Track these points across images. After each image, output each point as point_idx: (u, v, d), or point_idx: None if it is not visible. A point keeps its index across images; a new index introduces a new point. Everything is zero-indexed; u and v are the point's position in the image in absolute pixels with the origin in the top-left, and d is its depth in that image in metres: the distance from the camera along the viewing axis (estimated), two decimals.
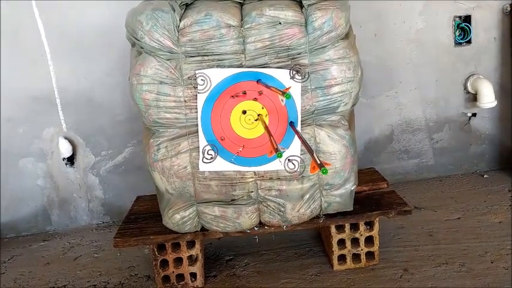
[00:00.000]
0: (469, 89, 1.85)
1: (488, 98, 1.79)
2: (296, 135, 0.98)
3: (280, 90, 0.92)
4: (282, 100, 0.95)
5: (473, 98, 1.84)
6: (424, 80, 1.85)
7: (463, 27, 1.83)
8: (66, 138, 1.69)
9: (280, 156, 0.88)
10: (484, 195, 1.73)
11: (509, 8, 1.76)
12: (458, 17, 1.80)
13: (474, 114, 1.89)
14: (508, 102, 1.84)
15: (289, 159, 1.09)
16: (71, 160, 1.71)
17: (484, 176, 1.89)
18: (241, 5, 1.12)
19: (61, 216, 1.79)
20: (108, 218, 1.80)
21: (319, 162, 0.80)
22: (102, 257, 1.56)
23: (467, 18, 1.81)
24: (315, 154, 0.85)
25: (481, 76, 1.84)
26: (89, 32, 1.67)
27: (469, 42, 1.83)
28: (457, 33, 1.84)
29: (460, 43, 1.83)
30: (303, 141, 0.92)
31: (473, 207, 1.67)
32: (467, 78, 1.86)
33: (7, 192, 1.75)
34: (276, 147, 0.86)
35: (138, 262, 1.49)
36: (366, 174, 1.54)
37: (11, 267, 1.57)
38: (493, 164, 1.93)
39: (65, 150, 1.68)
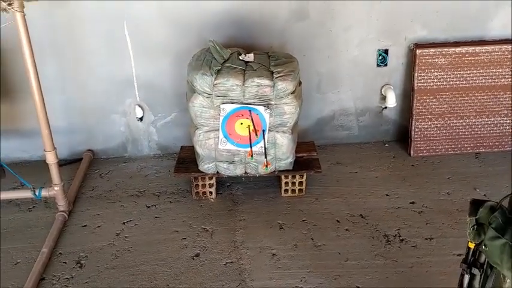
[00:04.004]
0: (383, 93, 2.91)
1: (391, 101, 2.86)
2: (263, 140, 2.17)
3: (256, 132, 2.09)
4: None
5: (385, 98, 2.97)
6: (356, 85, 2.85)
7: (383, 56, 2.84)
8: (139, 105, 2.85)
9: (252, 159, 2.10)
10: (378, 159, 2.85)
11: (412, 46, 2.80)
12: (381, 49, 2.83)
13: (385, 107, 3.00)
14: (406, 101, 2.94)
15: (261, 147, 2.29)
16: (141, 118, 2.89)
17: (386, 145, 3.04)
18: (244, 70, 2.23)
19: (133, 148, 2.91)
20: (160, 152, 2.92)
21: (266, 163, 1.98)
22: (160, 176, 2.71)
23: (386, 51, 2.76)
24: (267, 158, 2.05)
25: (391, 86, 2.89)
26: (156, 45, 2.67)
27: (386, 65, 2.81)
28: (379, 59, 2.89)
29: (380, 65, 2.82)
30: (265, 146, 2.11)
31: (368, 166, 2.77)
32: (383, 86, 2.86)
33: (103, 132, 2.87)
34: (251, 154, 2.07)
35: (180, 181, 2.64)
36: (307, 145, 2.66)
37: (111, 177, 2.71)
38: (393, 136, 2.98)
39: (139, 113, 2.82)
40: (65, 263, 2.12)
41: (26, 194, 2.37)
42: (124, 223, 2.36)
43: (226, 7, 2.60)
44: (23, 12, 1.96)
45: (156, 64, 2.72)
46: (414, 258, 2.06)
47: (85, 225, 2.36)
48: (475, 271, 1.13)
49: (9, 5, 1.87)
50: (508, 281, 1.02)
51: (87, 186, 2.66)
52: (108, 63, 2.70)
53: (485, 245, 0.99)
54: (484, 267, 1.11)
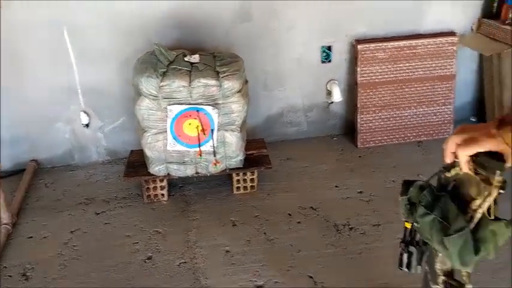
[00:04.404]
0: (328, 88, 3.02)
1: (336, 96, 2.95)
2: (212, 140, 2.18)
3: (204, 131, 2.10)
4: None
5: (330, 93, 3.06)
6: (302, 82, 2.92)
7: (327, 52, 2.93)
8: (84, 112, 2.79)
9: (201, 158, 2.10)
10: (327, 152, 2.93)
11: (354, 42, 2.90)
12: (324, 46, 2.93)
13: (331, 102, 3.09)
14: (351, 95, 3.04)
15: (211, 146, 2.30)
16: (87, 125, 2.82)
17: (334, 139, 3.13)
18: (190, 71, 2.23)
19: (81, 156, 2.84)
20: (109, 157, 2.85)
21: (215, 161, 2.00)
22: (110, 182, 2.66)
23: (329, 47, 2.89)
24: (216, 156, 2.08)
25: (336, 81, 2.99)
26: (99, 50, 2.62)
27: (330, 61, 2.91)
28: (323, 55, 2.99)
29: (325, 62, 2.94)
30: (214, 145, 2.13)
31: (318, 160, 2.80)
32: (328, 82, 3.00)
33: (48, 141, 2.79)
34: (200, 154, 2.09)
35: (130, 186, 2.60)
36: (257, 143, 2.69)
37: (57, 186, 2.63)
38: (341, 130, 3.08)
39: (84, 119, 2.75)
40: (10, 276, 2.04)
41: None
42: (72, 232, 2.30)
43: (171, 9, 2.59)
44: None
45: (101, 69, 2.67)
46: (363, 245, 2.14)
47: (31, 237, 2.28)
48: (412, 249, 1.18)
49: None
50: (440, 254, 1.08)
51: (32, 196, 2.58)
52: (50, 71, 2.62)
53: (417, 222, 1.05)
54: (420, 245, 1.17)
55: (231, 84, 2.20)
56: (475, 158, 0.89)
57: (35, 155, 2.83)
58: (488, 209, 0.91)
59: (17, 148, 2.78)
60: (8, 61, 2.55)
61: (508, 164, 0.86)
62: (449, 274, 1.11)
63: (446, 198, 0.98)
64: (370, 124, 2.93)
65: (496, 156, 0.87)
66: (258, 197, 2.50)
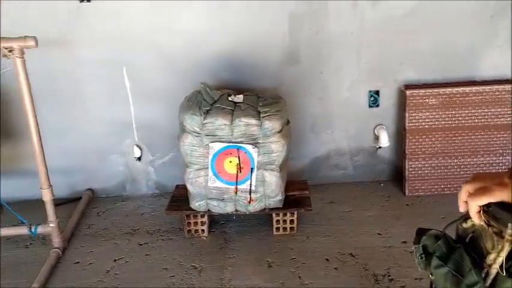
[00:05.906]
0: (376, 133, 2.98)
1: (384, 140, 2.91)
2: (251, 177, 2.22)
3: (240, 169, 2.15)
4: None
5: (378, 138, 3.00)
6: (350, 126, 2.92)
7: (374, 97, 2.93)
8: (137, 145, 2.95)
9: (236, 195, 2.16)
10: (372, 198, 2.87)
11: (403, 88, 2.86)
12: (372, 91, 2.92)
13: (379, 147, 3.04)
14: (399, 140, 2.97)
15: (248, 184, 2.33)
16: (139, 158, 2.98)
17: (381, 184, 3.07)
18: (232, 111, 2.31)
19: (131, 187, 3.01)
20: (158, 191, 3.00)
21: (249, 199, 2.04)
22: (156, 215, 2.77)
23: (377, 92, 2.88)
24: (251, 194, 2.11)
25: (383, 126, 2.95)
26: (154, 89, 2.81)
27: (377, 106, 2.91)
28: (371, 100, 2.98)
29: (372, 106, 2.94)
30: (251, 183, 2.16)
31: (362, 205, 2.78)
32: (375, 127, 2.96)
33: (103, 172, 2.98)
34: (236, 191, 2.13)
35: (174, 220, 2.69)
36: (299, 184, 2.72)
37: (108, 216, 2.78)
38: (389, 176, 3.03)
39: (137, 153, 2.93)
40: None
41: (23, 230, 2.44)
42: (115, 260, 2.39)
43: (222, 51, 2.73)
44: (23, 58, 2.09)
45: (154, 106, 2.83)
46: None
47: (77, 262, 2.40)
48: None
49: (10, 51, 2.01)
50: None
51: (83, 224, 2.72)
52: (108, 106, 2.83)
53: (431, 274, 1.00)
54: None
55: (271, 125, 2.25)
56: (487, 209, 0.85)
57: (91, 185, 3.01)
58: (502, 265, 0.86)
59: (74, 177, 2.98)
60: (69, 96, 2.79)
61: None
62: None
63: (461, 250, 0.94)
64: (420, 172, 2.83)
65: (510, 208, 0.82)
66: (297, 239, 2.48)
